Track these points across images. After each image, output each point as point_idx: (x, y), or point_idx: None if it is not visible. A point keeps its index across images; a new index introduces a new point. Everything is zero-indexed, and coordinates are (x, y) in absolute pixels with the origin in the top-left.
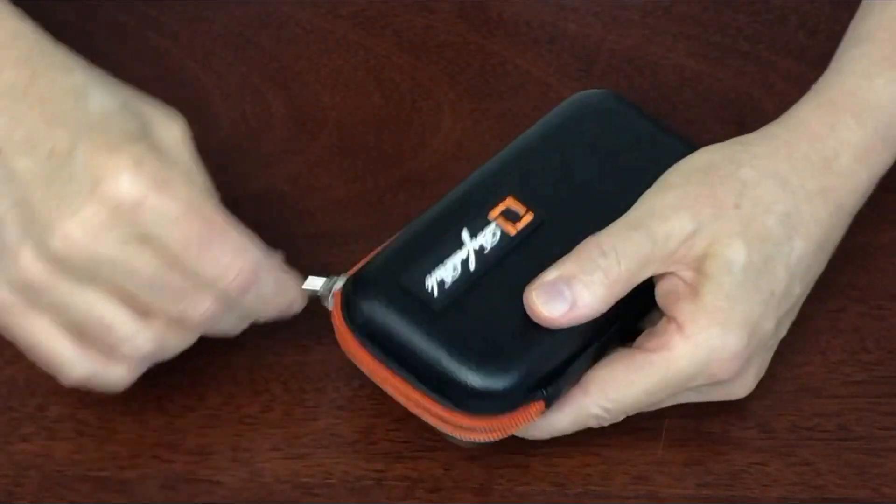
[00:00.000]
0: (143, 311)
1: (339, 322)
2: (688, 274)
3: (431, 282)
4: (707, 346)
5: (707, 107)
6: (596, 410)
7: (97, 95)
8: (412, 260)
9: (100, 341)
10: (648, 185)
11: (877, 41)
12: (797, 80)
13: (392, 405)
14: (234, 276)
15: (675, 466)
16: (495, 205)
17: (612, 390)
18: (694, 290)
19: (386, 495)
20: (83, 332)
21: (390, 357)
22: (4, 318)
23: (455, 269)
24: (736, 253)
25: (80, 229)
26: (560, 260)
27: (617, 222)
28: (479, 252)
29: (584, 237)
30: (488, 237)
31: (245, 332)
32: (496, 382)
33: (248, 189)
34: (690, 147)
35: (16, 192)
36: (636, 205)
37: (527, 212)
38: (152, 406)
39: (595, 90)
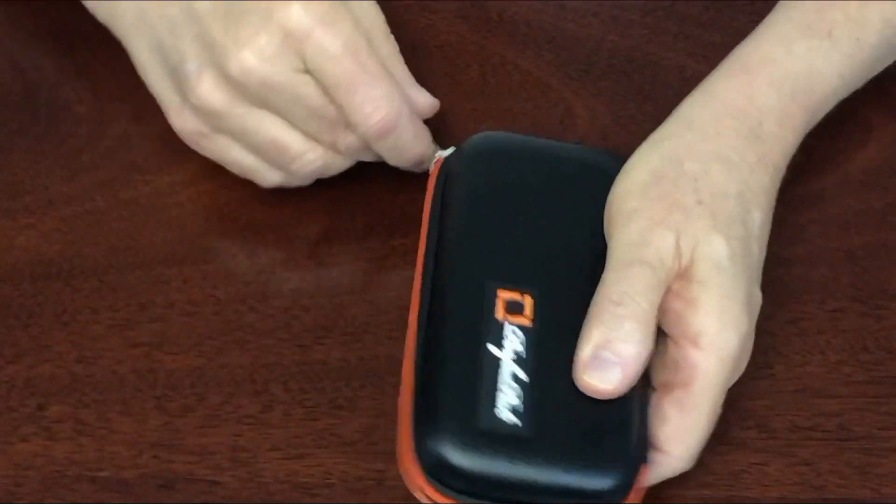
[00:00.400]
0: (308, 135)
1: (436, 495)
2: (676, 286)
3: (505, 413)
4: (728, 349)
5: None
6: (685, 465)
7: None
8: (470, 401)
9: (274, 160)
10: (600, 205)
11: (801, 8)
12: None
13: (392, 405)
14: (375, 122)
15: None
16: (493, 304)
17: (688, 440)
18: (691, 301)
19: (386, 495)
20: (260, 152)
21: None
22: (195, 142)
23: (512, 387)
24: (718, 249)
25: (254, 56)
26: (583, 332)
27: (608, 270)
28: (519, 359)
29: (586, 285)
30: (514, 340)
31: (245, 333)
32: (619, 475)
33: (249, 188)
34: (604, 154)
35: (196, 27)
36: (613, 245)
37: (523, 295)
38: (152, 406)
39: (475, 137)
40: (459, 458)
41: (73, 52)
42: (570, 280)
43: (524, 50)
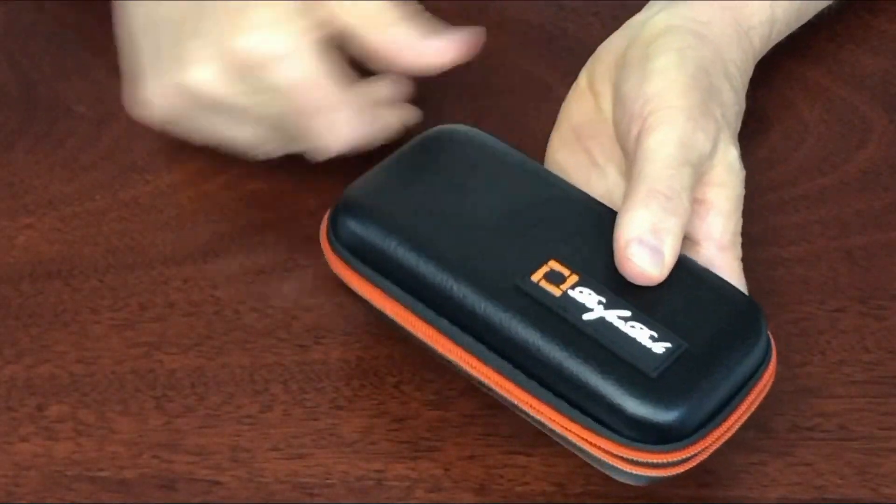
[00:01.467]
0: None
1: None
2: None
3: (658, 346)
4: (731, 238)
5: None
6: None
7: None
8: (630, 367)
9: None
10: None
11: None
12: (797, 80)
13: (392, 405)
14: (335, 147)
15: None
16: (543, 290)
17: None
18: (710, 203)
19: (386, 495)
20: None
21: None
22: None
23: (633, 326)
24: (734, 156)
25: (202, 77)
26: (625, 215)
27: (656, 162)
28: (608, 304)
29: (586, 229)
30: (588, 297)
31: (245, 333)
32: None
33: (248, 188)
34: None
35: (166, 33)
36: (662, 137)
37: (549, 265)
38: (152, 406)
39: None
40: (666, 410)
41: (73, 52)
42: (573, 236)
43: (524, 50)
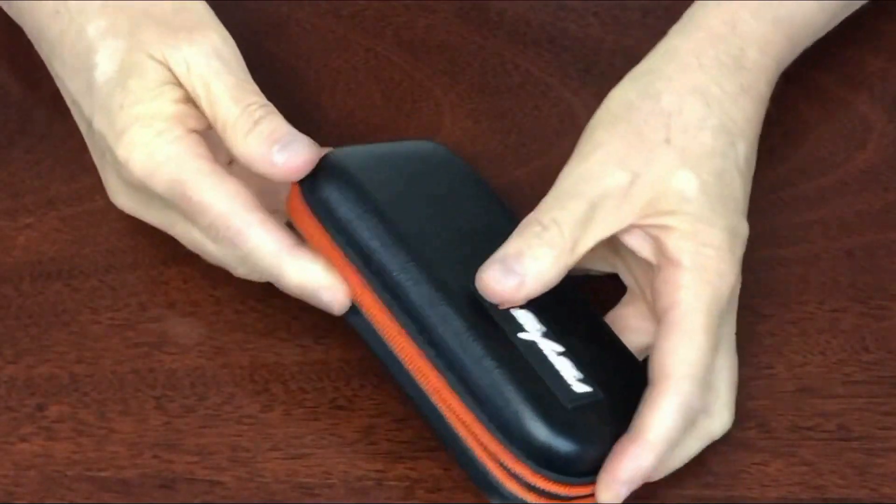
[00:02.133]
0: None
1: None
2: (648, 220)
3: (577, 385)
4: (709, 266)
5: None
6: (692, 399)
7: (102, 62)
8: (546, 389)
9: None
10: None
11: None
12: (797, 80)
13: (392, 405)
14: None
15: None
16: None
17: (686, 364)
18: (664, 228)
19: (386, 495)
20: None
21: None
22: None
23: (562, 361)
24: (685, 183)
25: (114, 190)
26: (505, 241)
27: (552, 192)
28: (546, 334)
29: None
30: (527, 320)
31: (245, 332)
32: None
33: None
34: (429, 143)
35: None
36: (567, 170)
37: None
38: (152, 406)
39: (328, 159)
40: (570, 441)
41: None
42: None
43: (524, 50)
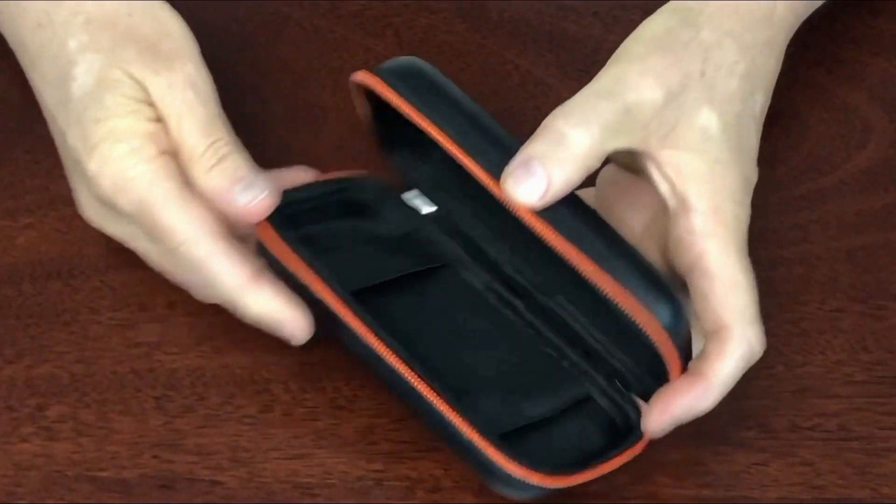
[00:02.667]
0: None
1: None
2: (664, 154)
3: None
4: (726, 211)
5: None
6: (752, 334)
7: (80, 75)
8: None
9: None
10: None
11: None
12: (797, 79)
13: (392, 405)
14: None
15: (675, 466)
16: None
17: (735, 301)
18: (679, 169)
19: (386, 495)
20: None
21: None
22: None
23: None
24: (707, 121)
25: (83, 203)
26: (528, 140)
27: (584, 91)
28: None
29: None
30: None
31: (245, 332)
32: None
33: None
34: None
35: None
36: (601, 74)
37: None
38: (152, 406)
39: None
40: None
41: None
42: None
43: (524, 50)
